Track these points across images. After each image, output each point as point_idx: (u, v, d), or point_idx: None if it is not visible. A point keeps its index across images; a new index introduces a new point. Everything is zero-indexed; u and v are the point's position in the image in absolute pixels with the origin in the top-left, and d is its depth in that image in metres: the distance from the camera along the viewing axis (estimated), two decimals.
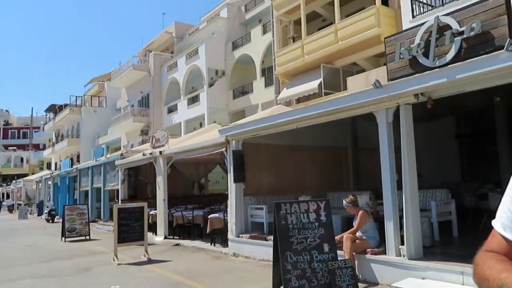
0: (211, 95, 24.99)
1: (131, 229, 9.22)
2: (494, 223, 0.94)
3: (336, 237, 6.27)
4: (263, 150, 9.62)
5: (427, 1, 12.46)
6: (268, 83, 21.93)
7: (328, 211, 5.86)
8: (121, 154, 15.87)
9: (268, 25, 21.41)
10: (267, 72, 22.42)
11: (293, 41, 18.14)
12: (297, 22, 18.22)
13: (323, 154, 10.89)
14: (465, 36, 4.86)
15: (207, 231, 10.14)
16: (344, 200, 6.64)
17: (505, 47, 4.35)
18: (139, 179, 17.03)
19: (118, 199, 16.11)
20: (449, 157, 11.81)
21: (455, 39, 4.96)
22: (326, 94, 15.43)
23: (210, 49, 25.18)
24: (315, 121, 7.36)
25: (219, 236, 10.13)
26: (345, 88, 13.40)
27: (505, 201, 0.92)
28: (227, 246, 9.32)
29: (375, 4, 14.37)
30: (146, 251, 9.09)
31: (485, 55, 4.65)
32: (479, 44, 4.77)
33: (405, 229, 5.83)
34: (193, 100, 26.65)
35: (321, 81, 16.07)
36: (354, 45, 14.91)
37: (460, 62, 4.91)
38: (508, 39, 4.40)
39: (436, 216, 7.23)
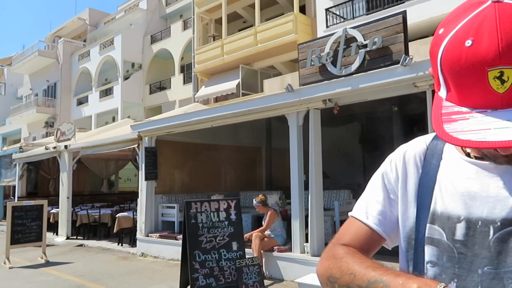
0: (126, 88, 23.91)
1: (27, 229, 8.44)
2: (355, 213, 0.95)
3: (245, 235, 6.41)
4: (178, 148, 9.47)
5: (340, 13, 13.28)
6: (186, 80, 21.62)
7: (238, 210, 5.95)
8: (20, 147, 14.46)
9: (189, 21, 21.11)
10: (186, 69, 22.11)
11: (213, 40, 18.12)
12: (218, 21, 18.25)
13: (238, 153, 11.03)
14: (368, 49, 5.28)
15: (115, 231, 9.69)
16: (254, 200, 6.79)
17: (401, 62, 4.80)
18: (41, 174, 15.68)
19: (14, 196, 14.66)
20: (353, 160, 12.70)
21: (360, 51, 5.36)
22: (244, 94, 15.65)
23: (126, 41, 24.09)
24: (230, 120, 7.43)
25: (127, 235, 9.73)
26: (262, 90, 13.73)
27: (371, 193, 0.95)
28: (135, 246, 8.99)
29: (293, 11, 14.94)
30: (44, 253, 8.39)
31: (384, 68, 5.10)
32: (379, 57, 5.21)
33: (310, 228, 6.14)
34: (106, 92, 25.27)
35: (239, 82, 16.26)
36: (272, 49, 15.33)
37: (363, 73, 5.32)
38: (404, 55, 4.86)
39: (338, 215, 7.72)
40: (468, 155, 0.83)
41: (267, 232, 6.67)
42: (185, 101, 19.69)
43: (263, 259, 6.45)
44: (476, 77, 0.63)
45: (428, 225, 0.83)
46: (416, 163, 0.90)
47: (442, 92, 0.71)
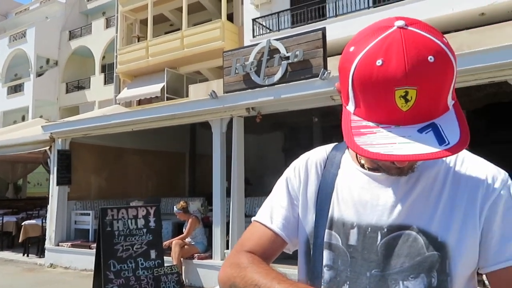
0: (38, 85, 22.16)
1: None
2: (259, 218, 0.96)
3: (165, 243, 6.27)
4: (95, 151, 8.96)
5: (266, 25, 13.65)
6: (108, 81, 20.68)
7: (158, 217, 5.80)
8: None
9: (112, 19, 20.24)
10: (108, 69, 21.14)
11: (138, 41, 17.57)
12: (144, 22, 17.73)
13: (160, 159, 10.75)
14: (290, 61, 5.50)
15: (20, 240, 8.88)
16: (175, 207, 6.67)
17: (319, 75, 5.07)
18: None
19: None
20: (276, 167, 13.04)
21: (282, 62, 5.57)
22: (168, 98, 15.36)
23: (41, 34, 22.38)
24: (153, 125, 7.24)
25: (35, 245, 8.97)
26: (188, 95, 13.58)
27: (276, 198, 0.96)
28: (43, 256, 8.32)
29: (221, 18, 15.04)
30: None
31: (305, 80, 5.34)
32: (300, 70, 5.45)
33: (231, 234, 6.18)
34: (16, 89, 23.21)
35: (164, 85, 15.93)
36: (199, 54, 15.27)
37: (285, 84, 5.52)
38: (322, 69, 5.15)
39: None
40: (362, 166, 0.89)
41: (187, 240, 6.58)
42: (106, 102, 18.78)
43: (183, 267, 6.34)
44: (384, 95, 0.68)
45: (326, 230, 0.88)
46: (317, 171, 0.95)
47: (350, 107, 0.76)
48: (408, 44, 0.68)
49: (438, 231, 0.80)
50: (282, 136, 13.39)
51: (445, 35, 0.74)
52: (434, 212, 0.81)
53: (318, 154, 0.98)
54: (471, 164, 0.85)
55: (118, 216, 5.43)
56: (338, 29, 11.37)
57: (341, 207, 0.88)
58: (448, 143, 0.68)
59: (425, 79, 0.67)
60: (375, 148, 0.69)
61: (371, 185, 0.87)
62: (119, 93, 17.59)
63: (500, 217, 0.80)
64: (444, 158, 0.84)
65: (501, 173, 0.83)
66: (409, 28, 0.70)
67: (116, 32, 18.28)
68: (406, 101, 0.67)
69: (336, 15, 12.34)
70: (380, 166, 0.82)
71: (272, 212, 0.95)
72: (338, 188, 0.91)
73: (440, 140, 0.68)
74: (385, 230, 0.83)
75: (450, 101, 0.73)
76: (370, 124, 0.72)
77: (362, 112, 0.73)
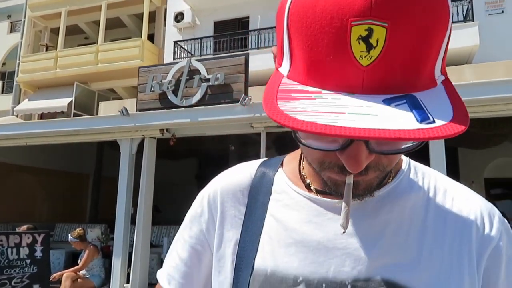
0: None
1: None
2: (159, 274, 0.71)
3: (54, 275, 5.54)
4: None
5: (188, 49, 13.47)
6: (7, 90, 18.65)
7: (46, 246, 5.07)
8: None
9: (18, 24, 18.51)
10: (8, 77, 19.13)
11: (47, 50, 16.20)
12: (55, 31, 16.47)
13: (59, 179, 9.72)
14: (210, 83, 5.31)
15: None
16: (70, 235, 5.94)
17: (240, 101, 4.94)
18: None
19: None
20: (189, 195, 12.55)
21: (202, 84, 5.35)
22: (76, 115, 14.17)
23: None
24: (52, 140, 6.47)
25: None
26: (98, 113, 12.67)
27: (177, 246, 0.71)
28: None
29: (141, 37, 14.56)
30: None
31: (224, 105, 5.16)
32: (221, 94, 5.27)
33: (133, 266, 5.61)
34: None
35: (72, 100, 14.72)
36: (114, 71, 14.50)
37: (203, 106, 5.29)
38: (243, 94, 5.02)
39: (166, 252, 7.33)
40: (308, 187, 0.61)
41: (82, 272, 5.85)
42: (2, 112, 16.79)
43: None
44: (333, 35, 0.41)
45: None
46: (237, 202, 0.66)
47: (285, 66, 0.49)
48: None
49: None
50: (196, 163, 13.05)
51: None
52: (416, 261, 0.56)
53: (238, 176, 0.68)
54: (458, 195, 0.61)
55: None
56: (260, 61, 11.57)
57: (277, 254, 0.59)
58: (433, 121, 0.40)
59: (404, 12, 0.40)
60: (308, 116, 0.41)
61: (322, 217, 0.59)
62: (18, 104, 15.89)
63: (504, 270, 0.58)
64: (421, 184, 0.60)
65: (495, 210, 0.61)
66: None
67: (21, 38, 16.69)
68: (369, 47, 0.40)
69: (258, 48, 12.60)
70: (329, 184, 0.54)
71: (171, 266, 0.69)
72: (272, 225, 0.61)
73: (420, 115, 0.41)
74: (349, 286, 0.56)
75: (438, 74, 0.46)
76: (310, 89, 0.45)
77: (299, 71, 0.46)
